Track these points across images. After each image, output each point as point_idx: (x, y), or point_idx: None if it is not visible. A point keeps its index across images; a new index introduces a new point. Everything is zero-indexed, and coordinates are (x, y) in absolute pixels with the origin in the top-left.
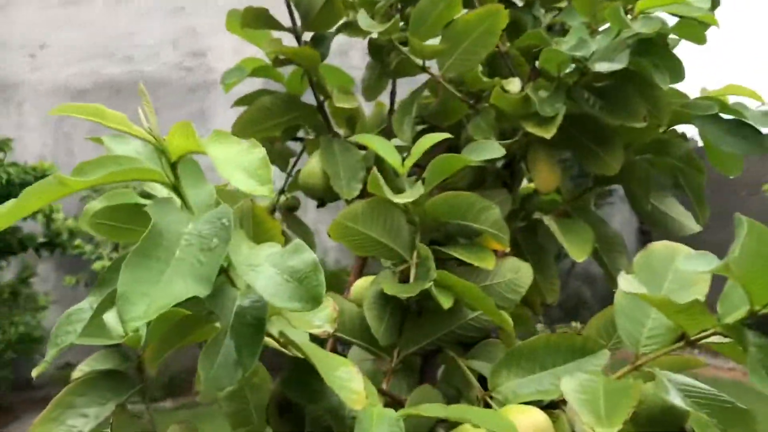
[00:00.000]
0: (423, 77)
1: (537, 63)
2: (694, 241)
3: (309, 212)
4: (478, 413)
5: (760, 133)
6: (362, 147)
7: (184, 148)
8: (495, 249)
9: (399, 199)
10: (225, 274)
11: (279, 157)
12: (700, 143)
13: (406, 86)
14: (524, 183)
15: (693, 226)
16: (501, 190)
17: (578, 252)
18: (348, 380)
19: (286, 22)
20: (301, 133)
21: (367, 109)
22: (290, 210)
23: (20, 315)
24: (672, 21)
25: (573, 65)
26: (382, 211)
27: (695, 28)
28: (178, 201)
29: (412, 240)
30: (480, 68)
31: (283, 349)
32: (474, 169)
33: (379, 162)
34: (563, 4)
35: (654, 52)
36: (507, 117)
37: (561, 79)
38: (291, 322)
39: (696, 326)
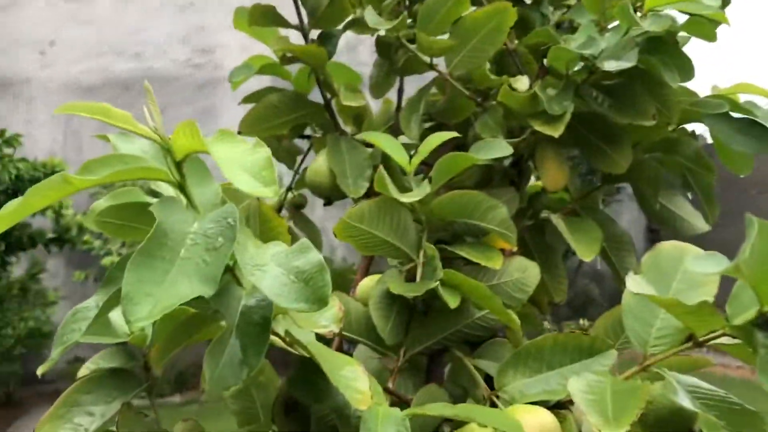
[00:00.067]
0: (431, 75)
1: (545, 61)
2: (702, 240)
3: (316, 209)
4: (484, 413)
5: None
6: (369, 145)
7: (189, 147)
8: (502, 248)
9: (405, 198)
10: (231, 273)
11: (286, 155)
12: (710, 140)
13: (413, 84)
14: (532, 181)
15: (702, 225)
16: (508, 188)
17: (586, 251)
18: (353, 380)
19: (294, 19)
20: (308, 131)
21: (375, 106)
22: (297, 207)
23: (30, 310)
24: (681, 18)
25: (581, 63)
26: (389, 210)
27: (705, 26)
28: (183, 200)
29: (418, 239)
30: (488, 66)
31: (289, 348)
32: (481, 168)
33: (386, 160)
34: (572, 2)
35: (663, 50)
36: (515, 115)
37: (569, 77)
38: (297, 321)
39: (705, 327)
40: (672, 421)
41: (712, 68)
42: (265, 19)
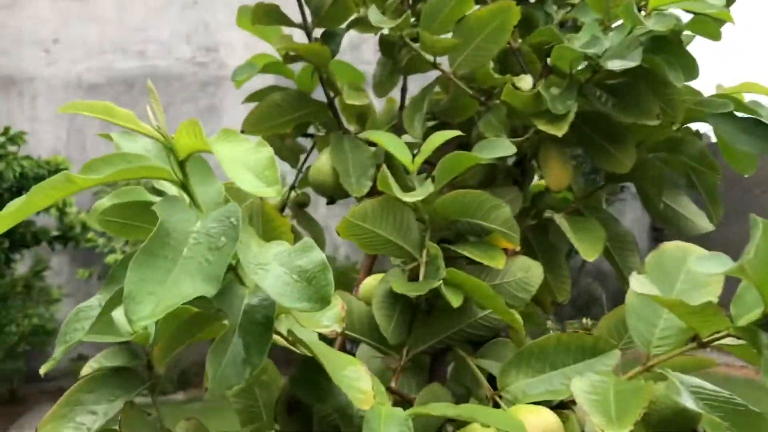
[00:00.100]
0: (434, 74)
1: (549, 60)
2: (705, 239)
3: (320, 208)
4: (487, 413)
5: None
6: (372, 144)
7: (192, 146)
8: (505, 247)
9: (409, 198)
10: (233, 272)
11: (290, 154)
12: (714, 139)
13: (417, 82)
14: (535, 180)
15: (706, 225)
16: (512, 187)
17: (589, 251)
18: (356, 379)
19: (297, 18)
20: (311, 130)
21: (378, 105)
22: (301, 206)
23: (34, 307)
24: (685, 17)
25: (585, 62)
26: (392, 209)
27: (710, 25)
28: (186, 199)
29: (421, 238)
30: (491, 65)
31: (292, 347)
32: (485, 167)
33: (389, 159)
34: (575, 1)
35: (667, 49)
36: (518, 114)
37: (573, 77)
38: (299, 320)
39: (709, 328)
40: (675, 422)
41: (716, 67)
42: (268, 17)
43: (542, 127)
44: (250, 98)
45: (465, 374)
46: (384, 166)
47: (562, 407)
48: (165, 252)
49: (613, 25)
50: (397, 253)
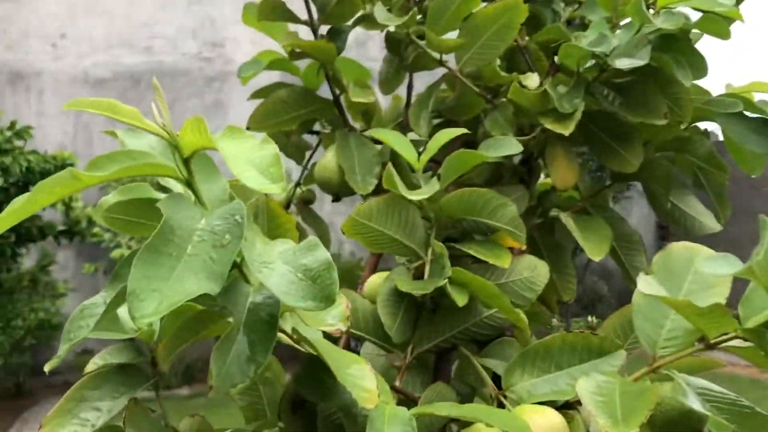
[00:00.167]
0: (440, 71)
1: (556, 58)
2: (711, 237)
3: (325, 205)
4: (491, 413)
5: None
6: (378, 141)
7: (197, 143)
8: (511, 246)
9: (414, 196)
10: (238, 269)
11: (295, 151)
12: (721, 138)
13: (423, 80)
14: (541, 179)
15: (713, 224)
16: (518, 186)
17: (595, 250)
18: (360, 378)
19: (303, 14)
20: (317, 127)
21: (384, 102)
22: (306, 203)
23: (40, 302)
24: (694, 15)
25: (593, 61)
26: (397, 208)
27: (719, 24)
28: (191, 196)
29: (427, 237)
30: (498, 63)
31: (297, 346)
32: (491, 165)
33: (395, 157)
34: None
35: (676, 48)
36: (525, 112)
37: (580, 75)
38: (304, 319)
39: (717, 329)
40: (681, 423)
41: (725, 66)
42: (274, 14)
43: (549, 125)
44: (255, 95)
45: (469, 373)
46: (389, 164)
47: (567, 407)
48: (169, 249)
49: (621, 24)
50: (402, 252)
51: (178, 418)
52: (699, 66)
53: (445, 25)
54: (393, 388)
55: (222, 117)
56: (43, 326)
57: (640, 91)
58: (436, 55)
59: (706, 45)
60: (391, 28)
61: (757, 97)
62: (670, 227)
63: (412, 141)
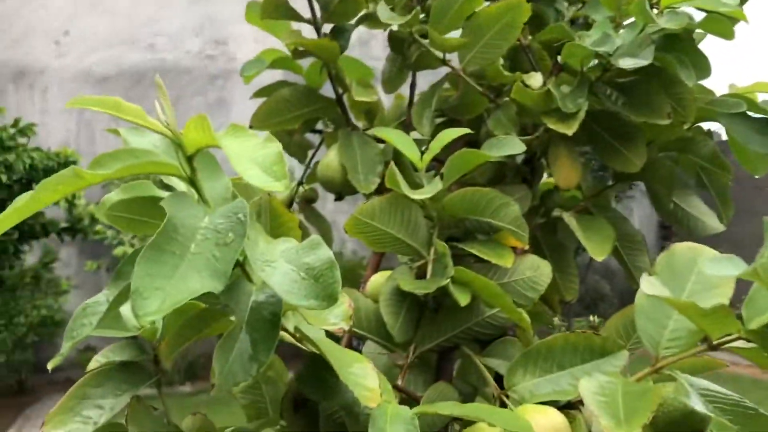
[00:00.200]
0: (443, 70)
1: (559, 57)
2: (713, 237)
3: (328, 203)
4: (494, 412)
5: None
6: (381, 140)
7: (200, 141)
8: (514, 246)
9: (417, 195)
10: (241, 268)
11: (298, 149)
12: (723, 137)
13: (426, 79)
14: (544, 178)
15: (716, 225)
16: (521, 186)
17: (598, 250)
18: (362, 377)
19: (306, 13)
20: (319, 126)
21: (387, 101)
22: (309, 202)
23: (42, 299)
24: (698, 15)
25: (596, 60)
26: (400, 207)
27: (723, 24)
28: (194, 194)
29: (429, 236)
30: (501, 62)
31: (299, 344)
32: (494, 165)
33: (398, 156)
34: None
35: (680, 47)
36: (528, 112)
37: (584, 74)
38: (306, 318)
39: (720, 330)
40: (684, 424)
41: (729, 66)
42: (277, 12)
43: (552, 125)
44: (258, 93)
45: (471, 373)
46: (392, 163)
47: (569, 407)
48: (172, 247)
49: (625, 23)
50: (404, 251)
51: (180, 416)
52: (702, 66)
53: (448, 24)
54: (395, 387)
55: (225, 115)
56: (46, 323)
57: (644, 91)
58: (439, 54)
59: (709, 45)
60: (394, 27)
61: (760, 97)
62: (673, 227)
63: (415, 140)
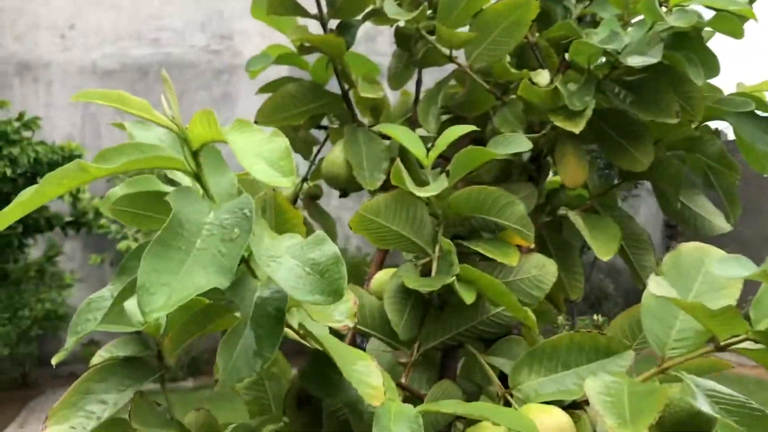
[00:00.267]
0: (450, 67)
1: (567, 55)
2: (720, 237)
3: (332, 199)
4: (498, 411)
5: None
6: (386, 137)
7: (206, 136)
8: (519, 244)
9: (422, 193)
10: (245, 264)
11: (303, 145)
12: (730, 137)
13: (432, 76)
14: (550, 176)
15: (723, 225)
16: (527, 184)
17: (604, 250)
18: (366, 374)
19: (313, 8)
20: (325, 122)
21: (393, 98)
22: (313, 198)
23: (46, 292)
24: (707, 14)
25: (604, 58)
26: (405, 204)
27: (733, 22)
28: (199, 190)
29: (434, 234)
30: (508, 59)
31: (303, 341)
32: (500, 163)
33: (403, 153)
34: None
35: (688, 46)
36: (535, 110)
37: (591, 72)
38: (311, 314)
39: (727, 331)
40: (690, 425)
41: (737, 64)
42: (283, 7)
43: (559, 123)
44: (264, 89)
45: (476, 371)
46: (398, 160)
47: (574, 407)
48: (178, 243)
49: (632, 21)
50: (409, 248)
51: (182, 411)
52: (711, 65)
53: (455, 21)
54: (399, 385)
55: (230, 110)
56: (50, 317)
57: (652, 90)
58: (446, 51)
59: (718, 43)
60: (401, 23)
61: None
62: (679, 227)
63: (421, 137)
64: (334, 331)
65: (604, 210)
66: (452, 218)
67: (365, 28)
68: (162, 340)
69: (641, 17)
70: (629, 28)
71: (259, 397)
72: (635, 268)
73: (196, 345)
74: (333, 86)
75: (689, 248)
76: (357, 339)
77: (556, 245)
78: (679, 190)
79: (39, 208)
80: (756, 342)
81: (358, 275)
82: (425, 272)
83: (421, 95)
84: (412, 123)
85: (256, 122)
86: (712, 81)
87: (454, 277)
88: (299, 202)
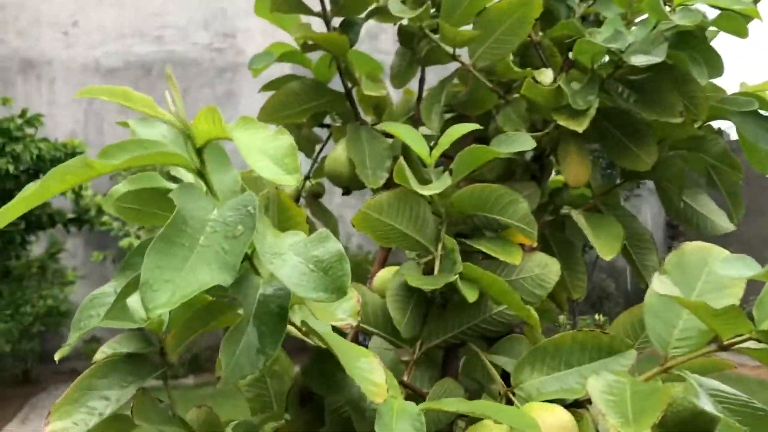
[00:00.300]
0: (453, 65)
1: (570, 54)
2: (723, 236)
3: (335, 198)
4: (500, 410)
5: None
6: (389, 135)
7: (210, 133)
8: (522, 243)
9: (425, 191)
10: (248, 261)
11: (306, 143)
12: (733, 136)
13: (435, 74)
14: (553, 175)
15: (726, 224)
16: (530, 183)
17: (607, 249)
18: (369, 372)
19: (316, 6)
20: (328, 120)
21: (396, 96)
22: (315, 196)
23: (48, 289)
24: (711, 13)
25: (607, 57)
26: (408, 202)
27: (737, 21)
28: (202, 186)
29: (437, 232)
30: (511, 58)
31: (305, 338)
32: (503, 161)
33: (406, 151)
34: None
35: (692, 45)
36: (538, 108)
37: (595, 71)
38: (314, 312)
39: (731, 331)
40: (693, 424)
41: (741, 63)
42: (286, 5)
43: (562, 122)
44: (267, 87)
45: (477, 370)
46: (401, 158)
47: (576, 406)
48: (182, 240)
49: (636, 20)
50: (412, 247)
51: (184, 408)
52: (715, 64)
53: (458, 19)
54: (401, 383)
55: (233, 108)
56: (52, 313)
57: (656, 89)
58: (449, 49)
59: (722, 42)
60: (405, 21)
61: None
62: (681, 227)
63: (424, 135)
64: (336, 329)
65: (607, 209)
66: (455, 216)
67: (368, 26)
68: (165, 336)
69: (645, 16)
70: (633, 27)
71: (261, 394)
72: (638, 267)
73: (197, 342)
74: (336, 84)
75: (693, 248)
76: (359, 337)
77: (559, 244)
78: (682, 190)
79: (41, 204)
80: (759, 341)
81: (360, 273)
82: (428, 270)
83: (424, 93)
84: (415, 121)
85: (259, 120)
86: (716, 80)
87: (457, 276)
88: (302, 200)
